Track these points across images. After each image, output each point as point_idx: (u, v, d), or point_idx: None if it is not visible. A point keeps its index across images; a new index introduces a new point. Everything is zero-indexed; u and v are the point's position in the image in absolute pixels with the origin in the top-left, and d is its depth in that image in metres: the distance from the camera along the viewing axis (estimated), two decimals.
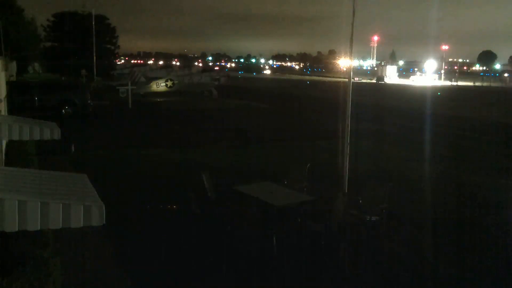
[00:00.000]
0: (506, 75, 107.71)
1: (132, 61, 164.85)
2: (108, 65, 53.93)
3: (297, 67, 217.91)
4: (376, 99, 44.86)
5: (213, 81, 48.53)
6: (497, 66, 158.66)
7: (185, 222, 10.40)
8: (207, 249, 9.26)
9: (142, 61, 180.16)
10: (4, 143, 13.21)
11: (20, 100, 25.35)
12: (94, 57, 45.03)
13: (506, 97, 55.83)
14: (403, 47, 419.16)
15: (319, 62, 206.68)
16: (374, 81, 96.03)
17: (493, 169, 17.08)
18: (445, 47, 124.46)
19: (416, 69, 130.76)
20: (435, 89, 71.33)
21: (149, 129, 24.92)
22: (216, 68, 50.40)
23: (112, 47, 55.48)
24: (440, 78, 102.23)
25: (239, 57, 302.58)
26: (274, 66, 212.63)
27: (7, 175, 5.59)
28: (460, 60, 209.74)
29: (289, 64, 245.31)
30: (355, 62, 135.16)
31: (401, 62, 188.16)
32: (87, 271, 8.24)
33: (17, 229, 4.45)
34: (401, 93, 61.73)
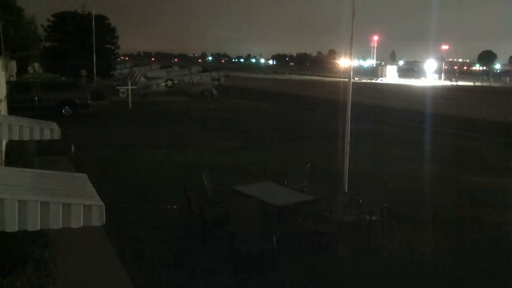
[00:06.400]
0: None
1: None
2: (108, 65, 53.86)
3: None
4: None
5: (213, 81, 48.54)
6: (497, 66, 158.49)
7: (185, 222, 10.39)
8: (207, 249, 9.25)
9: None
10: (4, 143, 13.20)
11: (20, 100, 25.36)
12: (94, 57, 44.95)
13: None
14: (403, 47, 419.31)
15: (319, 62, 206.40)
16: (374, 80, 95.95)
17: None
18: (445, 47, 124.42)
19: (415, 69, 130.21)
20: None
21: (149, 129, 24.91)
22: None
23: (112, 47, 55.31)
24: (440, 78, 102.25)
25: (239, 57, 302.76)
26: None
27: (7, 175, 5.59)
28: (460, 60, 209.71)
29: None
30: (355, 62, 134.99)
31: (401, 62, 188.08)
32: (87, 270, 8.24)
33: (17, 229, 4.44)
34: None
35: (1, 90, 16.62)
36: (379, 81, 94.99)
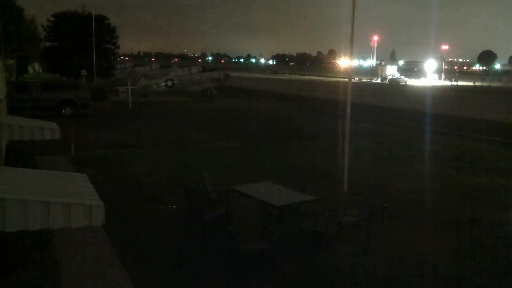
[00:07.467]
0: None
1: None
2: (108, 65, 53.92)
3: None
4: None
5: (213, 81, 48.56)
6: (497, 66, 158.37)
7: (185, 222, 10.39)
8: (207, 249, 9.26)
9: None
10: (4, 143, 13.19)
11: (20, 100, 25.35)
12: (94, 57, 44.97)
13: None
14: (403, 47, 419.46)
15: (319, 62, 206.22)
16: (374, 80, 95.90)
17: None
18: (445, 47, 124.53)
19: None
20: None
21: (149, 129, 24.91)
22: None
23: (112, 47, 55.38)
24: (440, 78, 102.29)
25: (239, 57, 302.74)
26: None
27: (7, 175, 5.60)
28: (460, 60, 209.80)
29: None
30: (355, 62, 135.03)
31: (401, 62, 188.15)
32: (87, 270, 8.23)
33: (17, 229, 4.44)
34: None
35: (1, 90, 16.60)
36: (379, 81, 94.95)
